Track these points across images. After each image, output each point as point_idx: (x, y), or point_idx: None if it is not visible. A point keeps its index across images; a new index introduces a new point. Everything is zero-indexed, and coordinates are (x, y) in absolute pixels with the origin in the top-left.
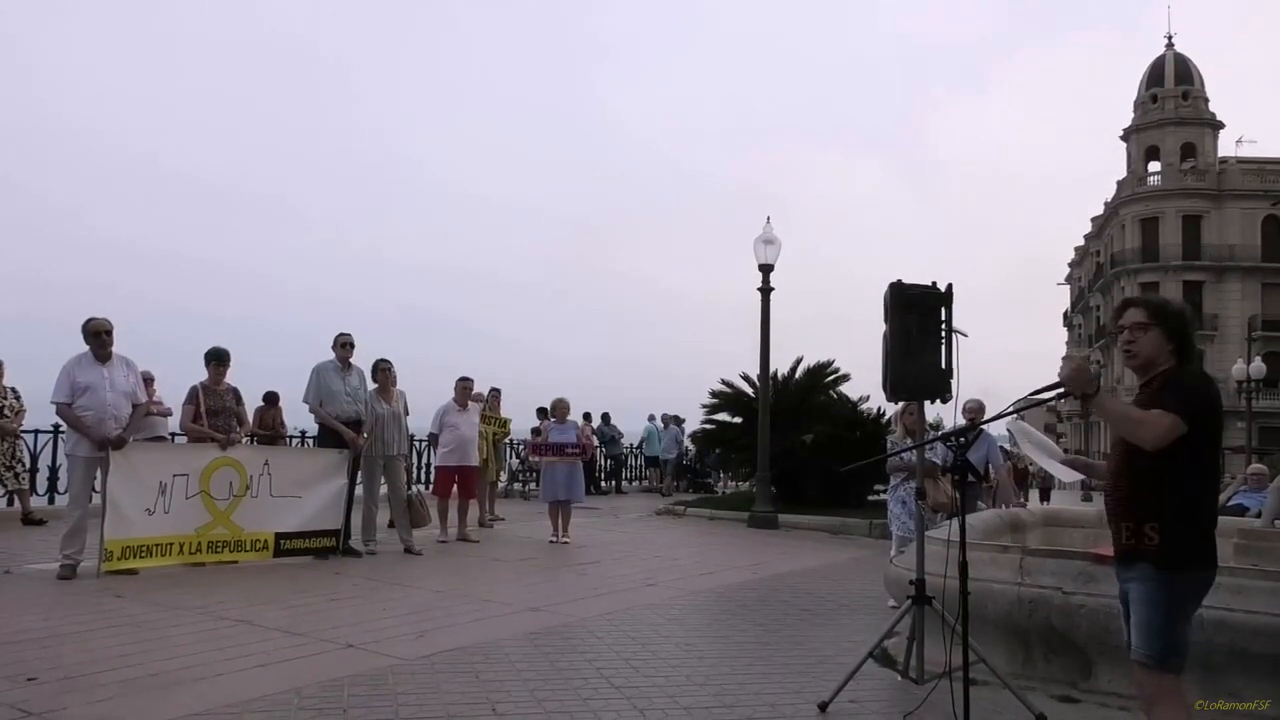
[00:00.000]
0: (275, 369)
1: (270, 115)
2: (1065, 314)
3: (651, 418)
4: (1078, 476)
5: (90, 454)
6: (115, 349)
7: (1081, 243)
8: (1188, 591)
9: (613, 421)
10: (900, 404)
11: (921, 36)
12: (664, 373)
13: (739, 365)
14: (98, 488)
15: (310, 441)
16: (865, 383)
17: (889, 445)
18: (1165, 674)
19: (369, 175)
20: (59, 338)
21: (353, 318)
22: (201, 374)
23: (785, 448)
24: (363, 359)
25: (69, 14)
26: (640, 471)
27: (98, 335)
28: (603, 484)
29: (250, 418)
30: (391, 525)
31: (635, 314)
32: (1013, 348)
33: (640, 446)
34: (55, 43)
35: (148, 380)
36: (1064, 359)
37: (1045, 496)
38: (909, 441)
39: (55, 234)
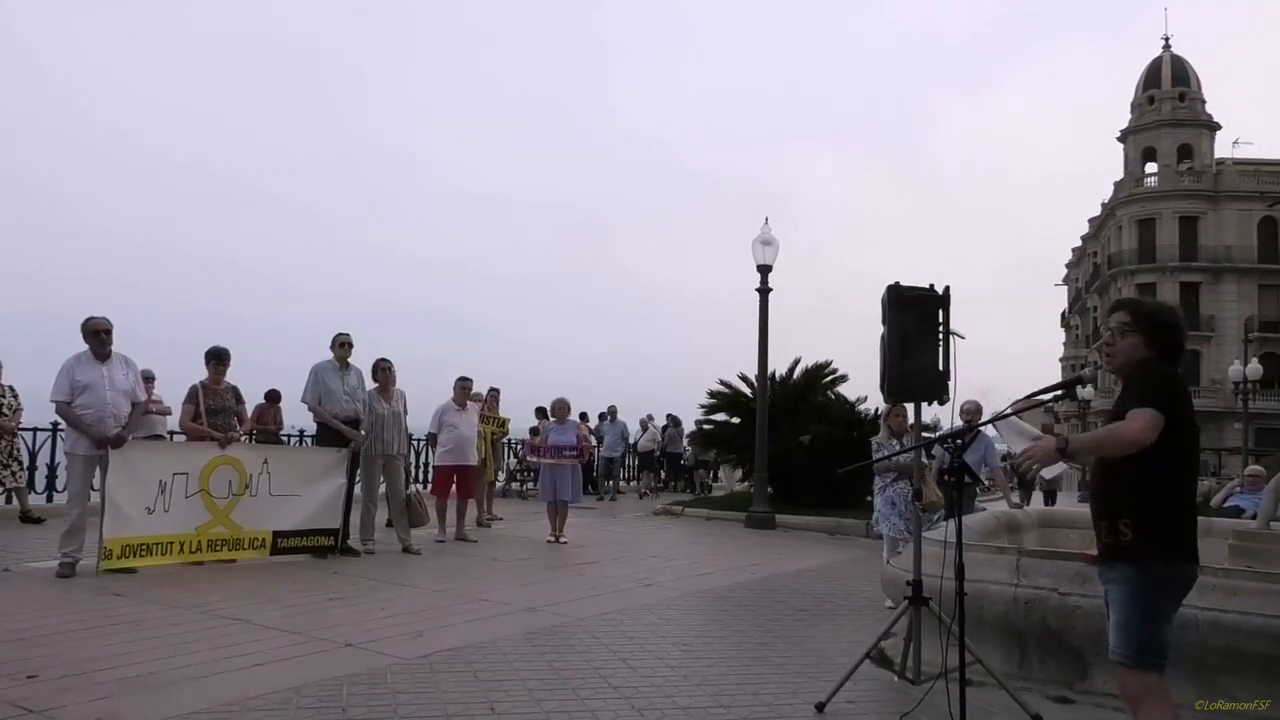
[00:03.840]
0: (277, 366)
1: (276, 111)
2: (1063, 315)
3: (651, 417)
4: (1060, 469)
5: (89, 452)
6: (114, 347)
7: (1079, 244)
8: (1165, 589)
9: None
10: (887, 406)
11: (919, 37)
12: (664, 371)
13: (740, 363)
14: (96, 486)
15: (309, 440)
16: (863, 383)
17: (874, 446)
18: (1147, 673)
19: (373, 172)
20: (57, 333)
21: (355, 315)
22: (202, 372)
23: (783, 448)
24: (366, 356)
25: (80, 11)
26: (635, 472)
27: (97, 334)
28: (603, 482)
29: (250, 415)
30: (390, 524)
31: (636, 311)
32: (1010, 349)
33: (635, 446)
34: (63, 37)
35: (148, 379)
36: (1032, 445)
37: (1051, 499)
38: (893, 442)
39: (56, 229)
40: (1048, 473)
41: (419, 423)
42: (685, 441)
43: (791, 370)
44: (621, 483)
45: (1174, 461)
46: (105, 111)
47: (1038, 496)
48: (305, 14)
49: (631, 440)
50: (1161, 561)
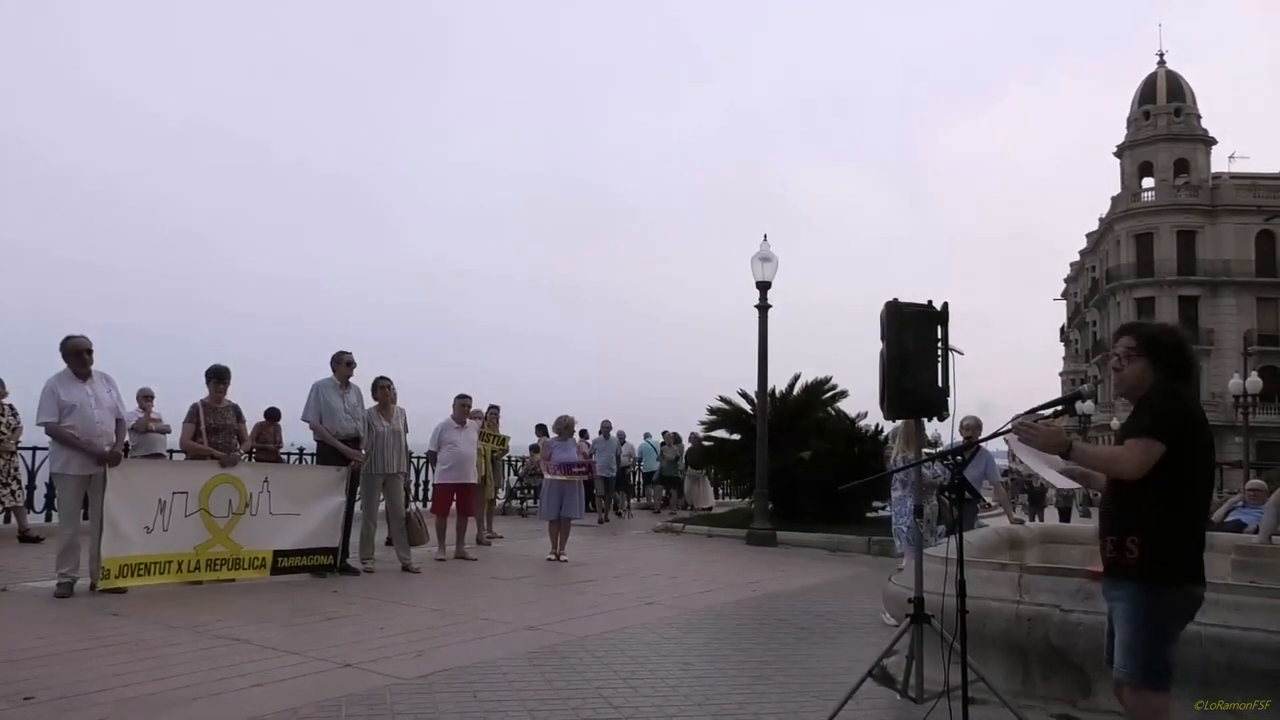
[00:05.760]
0: (276, 383)
1: (282, 117)
2: (1062, 329)
3: (647, 435)
4: (1073, 485)
5: (80, 472)
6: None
7: (1077, 258)
8: (1172, 609)
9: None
10: (900, 422)
11: (921, 54)
12: (666, 385)
13: (741, 379)
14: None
15: (309, 459)
16: (863, 399)
17: (896, 462)
18: (1151, 693)
19: (371, 174)
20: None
21: (356, 317)
22: (203, 389)
23: (783, 464)
24: (370, 365)
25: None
26: (639, 489)
27: (79, 354)
28: (600, 501)
29: (250, 434)
30: (389, 543)
31: (636, 323)
32: (1010, 363)
33: (639, 464)
34: (63, 39)
35: (147, 397)
36: (1024, 428)
37: (1065, 516)
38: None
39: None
40: (1061, 484)
41: (419, 440)
42: (670, 456)
43: (791, 386)
44: (631, 500)
45: (1185, 482)
46: (101, 107)
47: (1051, 513)
48: (311, 26)
49: (623, 459)
50: (1168, 583)
